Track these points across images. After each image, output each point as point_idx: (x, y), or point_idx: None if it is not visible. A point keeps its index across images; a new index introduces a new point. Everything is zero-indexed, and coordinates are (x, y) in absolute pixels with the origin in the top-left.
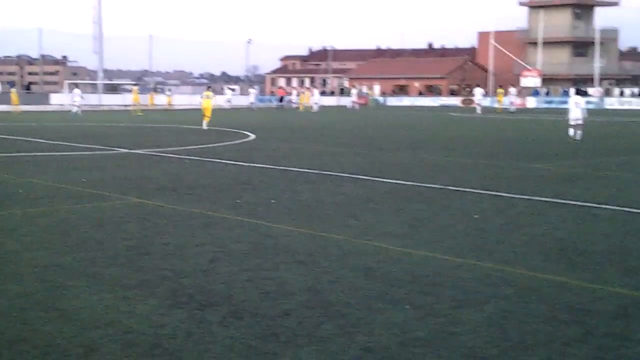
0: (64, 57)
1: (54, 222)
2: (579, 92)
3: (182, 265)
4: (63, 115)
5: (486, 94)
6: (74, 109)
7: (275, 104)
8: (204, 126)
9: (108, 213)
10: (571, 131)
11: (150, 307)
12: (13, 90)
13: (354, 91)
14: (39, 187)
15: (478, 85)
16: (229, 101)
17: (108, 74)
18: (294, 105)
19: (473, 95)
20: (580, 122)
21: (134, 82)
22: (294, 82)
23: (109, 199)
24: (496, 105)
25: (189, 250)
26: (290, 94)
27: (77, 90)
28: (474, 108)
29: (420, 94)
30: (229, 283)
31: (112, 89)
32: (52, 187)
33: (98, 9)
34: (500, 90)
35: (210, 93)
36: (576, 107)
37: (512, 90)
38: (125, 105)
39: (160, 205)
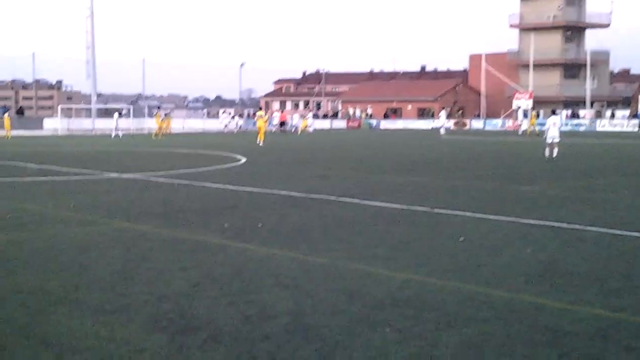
0: (59, 81)
1: (40, 247)
2: (555, 112)
3: (164, 289)
4: (56, 140)
5: (479, 116)
6: (120, 133)
7: (274, 128)
8: (261, 143)
9: (94, 238)
10: (547, 151)
11: (130, 332)
12: (5, 115)
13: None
14: (27, 212)
15: (443, 108)
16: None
17: (102, 98)
18: (292, 130)
19: (438, 117)
20: (556, 140)
21: (126, 106)
22: (288, 105)
23: (95, 224)
24: (528, 128)
25: (172, 274)
26: (292, 117)
27: (116, 115)
28: (439, 129)
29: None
30: (210, 307)
31: (107, 113)
32: (40, 211)
33: (91, 34)
34: (532, 113)
35: (262, 113)
36: (554, 127)
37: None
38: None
39: (146, 229)
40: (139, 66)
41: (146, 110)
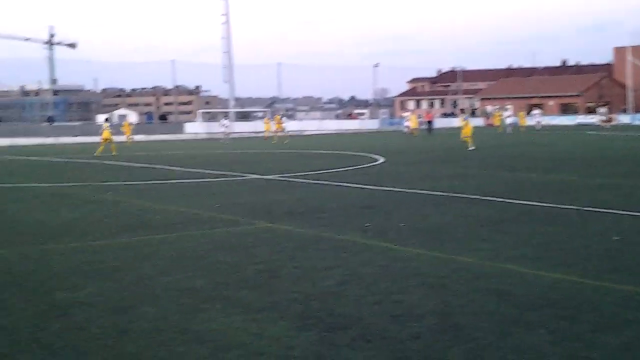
0: (197, 86)
1: (188, 247)
2: None
3: (311, 288)
4: (199, 143)
5: (625, 111)
6: (225, 137)
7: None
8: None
9: (239, 238)
10: None
11: (279, 329)
12: (125, 122)
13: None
14: (174, 213)
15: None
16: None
17: (240, 102)
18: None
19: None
20: None
21: (263, 110)
22: (424, 104)
23: (240, 224)
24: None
25: (318, 273)
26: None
27: (225, 121)
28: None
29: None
30: (357, 306)
31: (244, 116)
32: (187, 213)
33: (228, 40)
34: None
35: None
36: None
37: None
38: (257, 132)
39: (289, 229)
40: (274, 69)
41: (282, 113)
